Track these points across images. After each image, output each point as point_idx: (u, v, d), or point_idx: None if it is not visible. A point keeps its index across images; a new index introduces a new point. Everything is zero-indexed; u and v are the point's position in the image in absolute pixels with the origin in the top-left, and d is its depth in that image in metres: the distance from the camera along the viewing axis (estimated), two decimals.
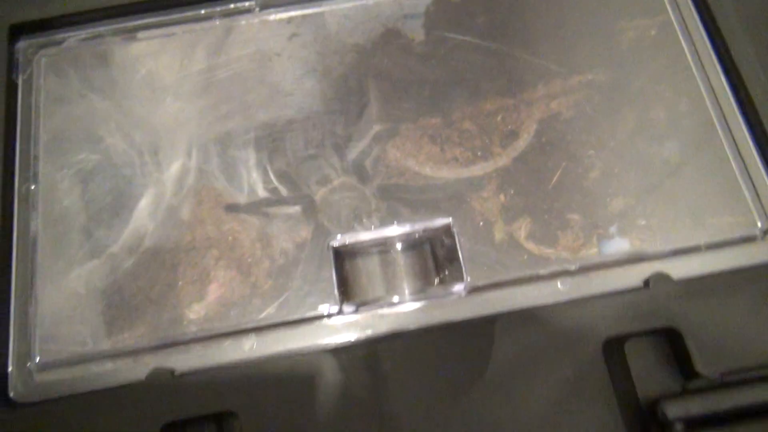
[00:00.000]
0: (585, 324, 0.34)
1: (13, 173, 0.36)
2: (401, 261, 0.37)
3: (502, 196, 0.41)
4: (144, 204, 0.42)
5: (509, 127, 0.42)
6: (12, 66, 0.38)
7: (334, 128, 0.43)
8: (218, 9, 0.39)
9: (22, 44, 0.41)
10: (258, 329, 0.37)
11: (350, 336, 0.36)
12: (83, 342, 0.38)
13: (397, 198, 0.41)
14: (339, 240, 0.38)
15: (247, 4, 0.39)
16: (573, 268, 0.37)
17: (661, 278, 0.36)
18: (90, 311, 0.38)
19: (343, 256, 0.40)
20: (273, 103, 0.44)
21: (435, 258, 0.37)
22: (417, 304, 0.35)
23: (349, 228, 0.40)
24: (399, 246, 0.39)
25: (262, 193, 0.42)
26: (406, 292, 0.36)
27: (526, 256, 0.39)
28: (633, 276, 0.37)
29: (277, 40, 0.44)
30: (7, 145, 0.36)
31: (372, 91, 0.44)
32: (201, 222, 0.40)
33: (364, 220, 0.40)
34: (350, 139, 0.43)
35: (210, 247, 0.40)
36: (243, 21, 0.39)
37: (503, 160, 0.41)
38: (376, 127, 0.43)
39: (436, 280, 0.35)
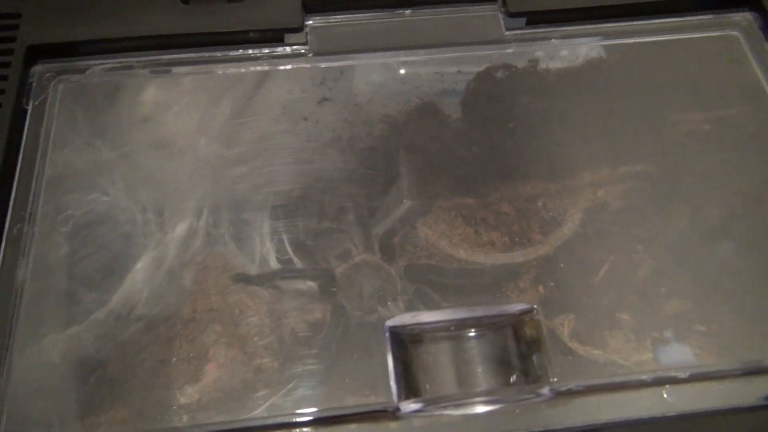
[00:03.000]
0: None
1: (5, 210, 0.31)
2: (472, 352, 0.32)
3: (541, 288, 0.37)
4: (141, 266, 0.37)
5: (551, 213, 0.39)
6: (23, 90, 0.33)
7: (358, 200, 0.40)
8: (267, 51, 0.36)
9: (38, 68, 0.36)
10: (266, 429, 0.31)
11: None
12: (49, 424, 0.32)
13: (426, 281, 0.37)
14: (398, 320, 0.32)
15: (302, 49, 0.36)
16: (682, 375, 0.32)
17: None
18: (63, 386, 0.32)
19: (400, 341, 0.34)
20: (293, 169, 0.41)
21: (512, 350, 0.32)
22: (492, 407, 0.29)
23: (371, 310, 0.36)
24: (460, 334, 0.33)
25: (274, 264, 0.38)
26: (481, 392, 0.30)
27: (570, 357, 0.34)
28: (753, 391, 0.32)
29: (306, 103, 0.41)
30: (4, 175, 0.31)
31: (403, 165, 0.41)
32: (204, 291, 0.36)
33: (389, 303, 0.36)
34: (375, 213, 0.39)
35: (212, 320, 0.35)
36: (290, 65, 0.36)
37: (544, 248, 0.38)
38: (407, 203, 0.39)
39: (513, 378, 0.30)
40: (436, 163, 0.41)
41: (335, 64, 0.36)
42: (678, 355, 0.33)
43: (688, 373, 0.32)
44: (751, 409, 0.31)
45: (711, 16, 0.39)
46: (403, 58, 0.37)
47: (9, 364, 0.31)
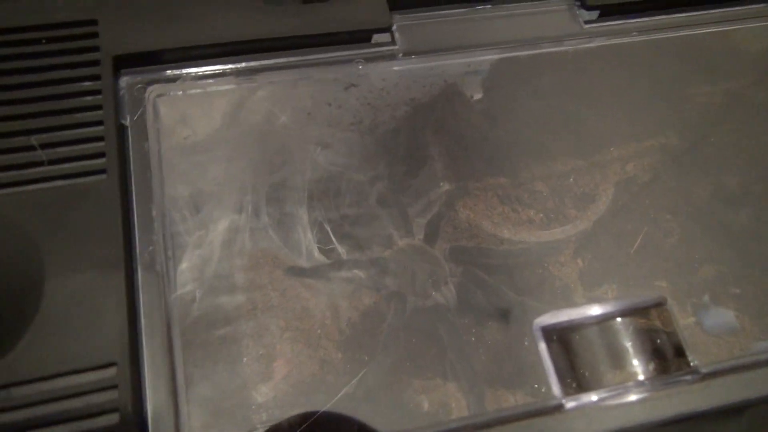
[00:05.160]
0: None
1: (131, 236, 0.28)
2: (615, 343, 0.33)
3: (579, 261, 0.39)
4: (186, 266, 0.36)
5: (582, 189, 0.40)
6: (118, 104, 0.31)
7: (392, 185, 0.40)
8: (361, 52, 0.35)
9: (126, 79, 0.33)
10: None
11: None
12: None
13: (472, 262, 0.38)
14: (549, 318, 0.32)
15: (393, 48, 0.36)
16: None
17: None
18: None
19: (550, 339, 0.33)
20: (321, 157, 0.40)
21: (647, 340, 0.34)
22: (645, 395, 0.30)
23: (426, 295, 0.37)
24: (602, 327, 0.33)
25: (318, 255, 0.38)
26: (637, 382, 0.31)
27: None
28: None
29: (332, 90, 0.41)
30: (124, 197, 0.28)
31: (434, 147, 0.41)
32: (261, 287, 0.36)
33: (442, 287, 0.37)
34: (410, 196, 0.40)
35: (275, 316, 0.35)
36: (381, 66, 0.35)
37: (583, 223, 0.39)
38: (445, 186, 0.40)
39: (651, 365, 0.32)
40: (464, 144, 0.42)
41: (422, 65, 0.36)
42: (719, 318, 0.36)
43: None
44: None
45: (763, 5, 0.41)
46: (487, 57, 0.37)
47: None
